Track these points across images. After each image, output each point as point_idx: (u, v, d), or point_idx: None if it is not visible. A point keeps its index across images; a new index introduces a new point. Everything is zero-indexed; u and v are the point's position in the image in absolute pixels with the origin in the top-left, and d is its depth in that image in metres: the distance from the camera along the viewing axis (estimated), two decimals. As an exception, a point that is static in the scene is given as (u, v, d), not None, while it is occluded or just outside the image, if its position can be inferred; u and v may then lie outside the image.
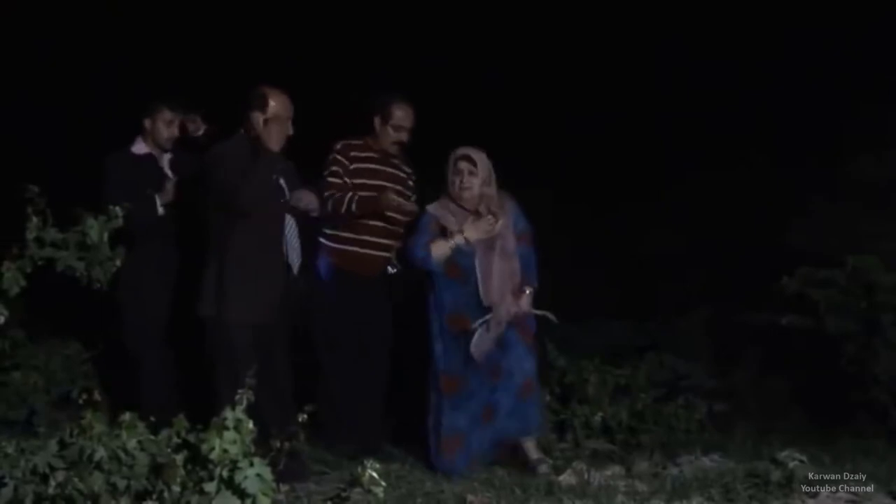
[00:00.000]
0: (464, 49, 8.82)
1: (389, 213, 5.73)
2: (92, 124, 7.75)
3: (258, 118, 5.00)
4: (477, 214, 5.40)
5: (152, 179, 5.70)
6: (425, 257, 5.38)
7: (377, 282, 5.80)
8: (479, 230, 5.38)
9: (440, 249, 5.38)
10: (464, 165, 5.40)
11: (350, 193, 5.68)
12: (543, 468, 5.08)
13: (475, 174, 5.39)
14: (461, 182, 5.40)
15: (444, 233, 5.43)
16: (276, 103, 5.02)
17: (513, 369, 5.25)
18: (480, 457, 5.24)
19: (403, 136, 5.84)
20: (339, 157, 5.77)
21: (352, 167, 5.77)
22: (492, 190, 5.41)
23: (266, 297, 4.93)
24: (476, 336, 5.25)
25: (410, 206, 5.66)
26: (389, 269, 5.78)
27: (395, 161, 5.91)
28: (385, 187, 5.69)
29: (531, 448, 5.22)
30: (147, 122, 5.82)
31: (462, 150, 5.44)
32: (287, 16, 8.93)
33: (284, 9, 8.89)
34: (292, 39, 8.73)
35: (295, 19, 8.96)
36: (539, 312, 5.43)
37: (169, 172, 5.81)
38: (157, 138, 5.81)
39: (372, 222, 5.73)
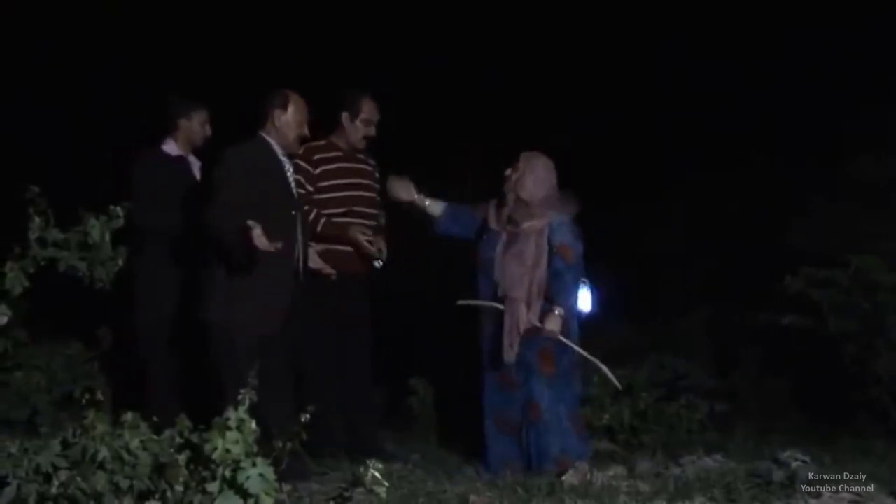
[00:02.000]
0: (464, 49, 8.81)
1: (363, 209, 5.74)
2: (92, 124, 7.76)
3: (279, 119, 5.04)
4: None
5: (184, 181, 5.66)
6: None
7: (359, 281, 5.76)
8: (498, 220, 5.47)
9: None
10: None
11: (315, 211, 5.61)
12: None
13: (516, 171, 5.44)
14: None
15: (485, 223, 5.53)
16: (296, 106, 5.07)
17: (525, 391, 5.29)
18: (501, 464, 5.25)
19: (373, 131, 5.81)
20: (301, 163, 5.61)
21: (317, 171, 5.70)
22: (527, 193, 5.38)
23: (276, 305, 4.90)
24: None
25: (372, 249, 5.65)
26: (376, 264, 5.77)
27: (360, 156, 5.87)
28: (351, 224, 5.66)
29: (569, 475, 4.98)
30: (183, 122, 5.74)
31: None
32: (287, 16, 8.93)
33: (284, 9, 8.89)
34: (292, 40, 8.73)
35: (295, 19, 8.95)
36: (575, 347, 5.34)
37: (196, 175, 5.78)
38: (192, 138, 5.76)
39: (346, 220, 5.69)
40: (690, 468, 5.05)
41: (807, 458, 4.59)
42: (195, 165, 5.85)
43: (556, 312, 5.25)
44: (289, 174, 5.10)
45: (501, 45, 8.96)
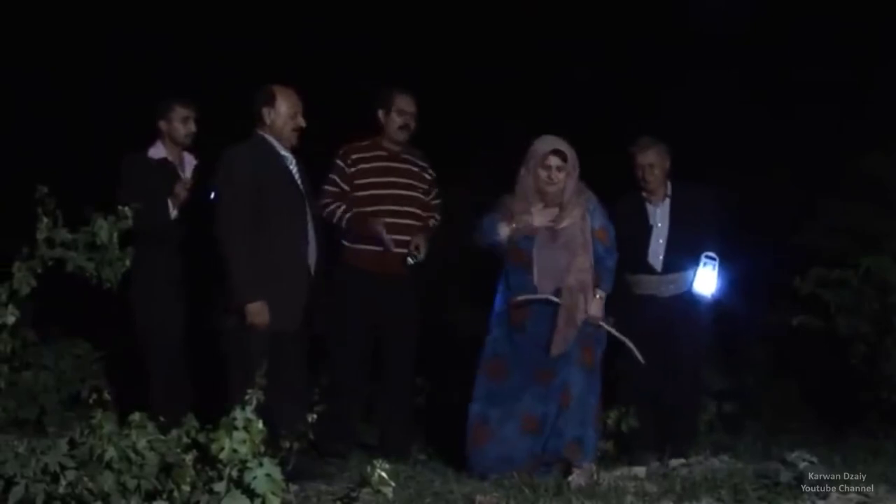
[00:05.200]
0: (464, 49, 8.81)
1: (398, 208, 5.72)
2: (98, 124, 7.76)
3: (269, 115, 5.02)
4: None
5: (168, 184, 5.60)
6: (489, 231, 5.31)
7: (398, 281, 5.74)
8: (545, 217, 5.26)
9: (502, 230, 5.28)
10: (553, 161, 5.21)
11: (343, 207, 5.66)
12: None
13: (563, 169, 5.21)
14: (549, 177, 5.21)
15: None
16: (284, 99, 5.05)
17: (561, 379, 5.14)
18: (524, 469, 5.03)
19: (409, 120, 5.79)
20: (338, 161, 5.75)
21: (353, 170, 5.73)
22: (570, 194, 5.22)
23: (288, 301, 4.90)
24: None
25: (386, 238, 5.62)
26: (409, 260, 5.74)
27: (407, 157, 5.87)
28: (372, 216, 5.66)
29: (575, 475, 4.90)
30: (162, 124, 5.69)
31: (553, 144, 5.24)
32: (287, 15, 8.93)
33: (284, 8, 8.89)
34: (292, 39, 8.72)
35: (295, 18, 8.95)
36: (611, 329, 5.26)
37: (187, 175, 5.72)
38: (175, 137, 5.69)
39: (386, 219, 5.68)
40: (697, 469, 5.03)
41: (814, 459, 4.58)
42: (189, 164, 5.80)
43: (598, 296, 5.18)
44: (292, 168, 5.09)
45: (501, 45, 8.96)
